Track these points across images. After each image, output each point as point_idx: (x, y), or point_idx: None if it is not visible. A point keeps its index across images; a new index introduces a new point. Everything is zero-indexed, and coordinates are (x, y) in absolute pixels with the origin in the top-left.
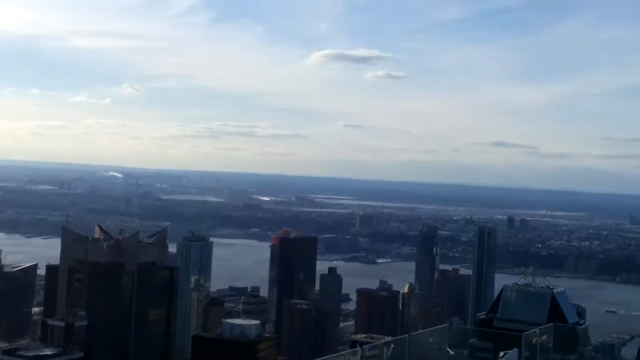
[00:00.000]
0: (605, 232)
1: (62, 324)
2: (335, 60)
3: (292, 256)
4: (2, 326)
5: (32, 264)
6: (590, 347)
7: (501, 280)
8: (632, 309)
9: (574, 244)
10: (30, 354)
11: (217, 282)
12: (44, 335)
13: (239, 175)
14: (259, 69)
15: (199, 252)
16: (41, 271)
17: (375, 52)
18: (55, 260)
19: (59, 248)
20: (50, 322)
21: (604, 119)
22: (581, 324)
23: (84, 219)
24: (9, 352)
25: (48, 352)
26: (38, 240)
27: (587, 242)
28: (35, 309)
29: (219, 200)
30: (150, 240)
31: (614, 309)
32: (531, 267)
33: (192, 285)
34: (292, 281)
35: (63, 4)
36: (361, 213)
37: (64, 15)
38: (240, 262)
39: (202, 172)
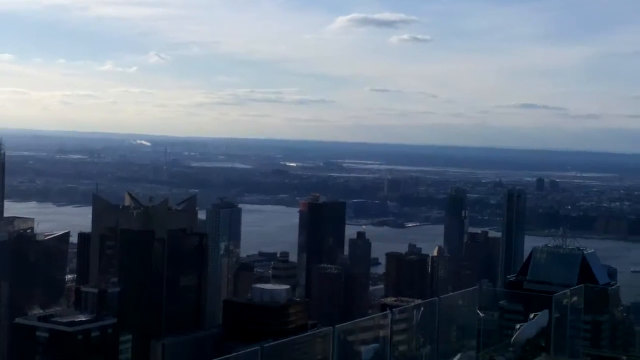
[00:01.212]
0: (637, 192)
1: (95, 290)
2: (361, 24)
3: (321, 221)
4: (37, 293)
5: (64, 232)
6: (621, 308)
7: (531, 243)
8: None
9: (605, 204)
10: (65, 320)
11: (247, 247)
12: (77, 302)
13: (266, 142)
14: (284, 34)
15: (228, 219)
16: (73, 239)
17: (400, 16)
18: (87, 229)
19: (90, 216)
20: (83, 288)
21: (634, 78)
22: (612, 285)
23: (113, 188)
24: (44, 318)
25: (82, 318)
26: (69, 209)
27: (617, 203)
28: (69, 276)
29: (247, 167)
30: (180, 208)
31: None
32: (561, 228)
33: (221, 251)
34: (321, 246)
35: None
36: (389, 177)
37: None
38: (269, 228)
39: (229, 139)
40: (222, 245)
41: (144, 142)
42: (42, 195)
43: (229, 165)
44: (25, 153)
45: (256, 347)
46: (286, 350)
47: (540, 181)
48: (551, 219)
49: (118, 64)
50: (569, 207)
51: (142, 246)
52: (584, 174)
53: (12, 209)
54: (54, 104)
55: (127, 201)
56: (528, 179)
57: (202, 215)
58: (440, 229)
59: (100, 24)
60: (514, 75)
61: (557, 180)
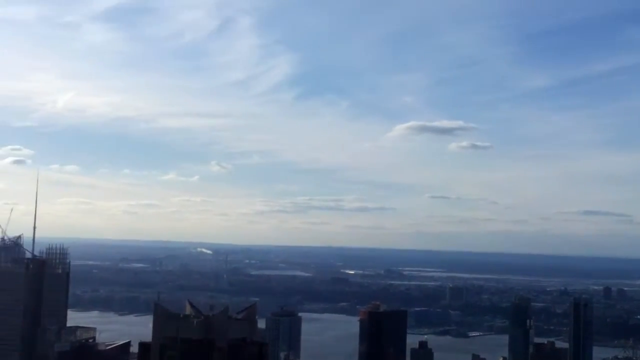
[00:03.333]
0: None
1: None
2: (419, 132)
3: (382, 330)
4: None
5: (125, 341)
6: None
7: (600, 354)
8: None
9: None
10: None
11: (307, 357)
12: None
13: (326, 249)
14: (344, 143)
15: (288, 327)
16: (134, 349)
17: (459, 123)
18: (148, 338)
19: (151, 325)
20: None
21: None
22: None
23: (175, 296)
24: None
25: None
26: (131, 318)
27: None
28: None
29: (307, 274)
30: (240, 316)
31: None
32: (631, 339)
33: None
34: (382, 356)
35: (154, 87)
36: (451, 285)
37: (155, 98)
38: (329, 337)
39: (289, 246)
40: (282, 354)
41: (205, 250)
42: (105, 305)
43: (289, 273)
44: (90, 262)
45: None
46: None
47: (607, 290)
48: (620, 329)
49: (181, 174)
50: (639, 317)
51: (202, 355)
52: None
53: (75, 318)
54: (118, 214)
55: (188, 310)
56: (594, 287)
57: (262, 324)
58: (504, 338)
59: (164, 136)
60: (575, 182)
61: (624, 288)
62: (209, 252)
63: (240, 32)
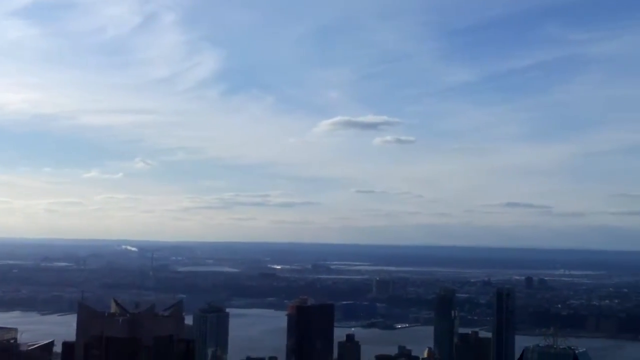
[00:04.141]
0: (625, 289)
1: None
2: (345, 127)
3: (309, 324)
4: None
5: (48, 341)
6: None
7: (522, 342)
8: None
9: (594, 302)
10: None
11: (234, 353)
12: None
13: (253, 245)
14: (270, 138)
15: (215, 324)
16: (57, 348)
17: (384, 118)
18: (72, 337)
19: (75, 325)
20: None
21: (617, 176)
22: None
23: (99, 295)
24: None
25: None
26: (54, 318)
27: (607, 301)
28: None
29: (234, 270)
30: (167, 313)
31: None
32: (552, 327)
33: (209, 357)
34: (309, 349)
35: (76, 83)
36: (377, 278)
37: (77, 94)
38: (257, 332)
39: (216, 243)
40: (210, 351)
41: (130, 247)
42: (27, 304)
43: (216, 269)
44: (10, 262)
45: None
46: None
47: (529, 280)
48: (541, 318)
49: (104, 171)
50: (559, 305)
51: (127, 354)
52: (572, 272)
53: None
54: (39, 213)
55: (113, 308)
56: (517, 277)
57: (189, 320)
58: (430, 330)
59: (86, 133)
60: (498, 175)
61: (545, 278)
62: (134, 249)
63: (164, 28)
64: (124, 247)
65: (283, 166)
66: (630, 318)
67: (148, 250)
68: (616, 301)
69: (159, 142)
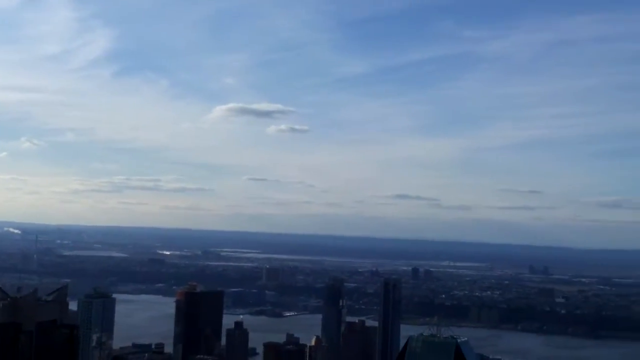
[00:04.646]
0: (507, 281)
1: None
2: (239, 114)
3: (198, 311)
4: None
5: None
6: None
7: (407, 331)
8: (529, 357)
9: (477, 293)
10: None
11: (120, 339)
12: None
13: (143, 230)
14: (163, 122)
15: (101, 309)
16: None
17: (278, 106)
18: None
19: None
20: None
21: (504, 171)
22: None
23: None
24: None
25: None
26: None
27: (489, 292)
28: None
29: (123, 255)
30: (50, 298)
31: (499, 357)
32: (436, 317)
33: (93, 344)
34: (198, 336)
35: None
36: (267, 266)
37: None
38: (144, 319)
39: (105, 227)
40: (94, 337)
41: (13, 230)
42: None
43: (104, 253)
44: None
45: None
46: None
47: (415, 270)
48: (426, 308)
49: None
50: (443, 295)
51: (7, 340)
52: (456, 263)
53: None
54: None
55: None
56: (404, 268)
57: (74, 306)
58: (318, 318)
59: None
60: (389, 166)
61: (431, 269)
62: (17, 231)
63: (54, 4)
64: (6, 229)
65: (176, 151)
66: (510, 309)
67: (32, 233)
68: (497, 292)
69: (47, 122)
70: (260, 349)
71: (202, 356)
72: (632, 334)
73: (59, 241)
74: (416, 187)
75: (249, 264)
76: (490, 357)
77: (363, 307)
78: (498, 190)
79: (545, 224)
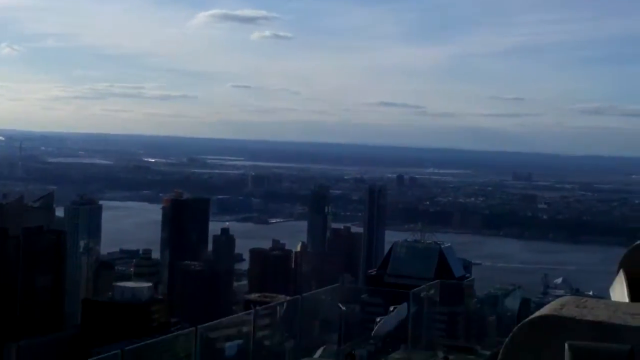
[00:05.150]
0: (490, 188)
1: None
2: (222, 20)
3: (184, 218)
4: None
5: None
6: (475, 300)
7: (392, 237)
8: (510, 261)
9: (460, 200)
10: None
11: (108, 245)
12: None
13: (127, 137)
14: (146, 29)
15: (87, 216)
16: None
17: (262, 12)
18: None
19: None
20: None
21: (490, 78)
22: (467, 277)
23: None
24: None
25: None
26: None
27: (472, 199)
28: None
29: (107, 162)
30: (36, 204)
31: (479, 262)
32: (419, 223)
33: (81, 249)
34: (184, 243)
35: None
36: (253, 173)
37: None
38: (131, 225)
39: (88, 134)
40: (82, 243)
41: None
42: None
43: (89, 161)
44: None
45: (116, 351)
46: (148, 352)
47: (400, 177)
48: (410, 214)
49: None
50: (427, 202)
51: None
52: (441, 170)
53: None
54: None
55: None
56: (389, 175)
57: (60, 212)
58: (303, 225)
59: None
60: (376, 74)
61: (416, 176)
62: (1, 138)
63: None
64: None
65: (160, 58)
66: (493, 215)
67: (16, 140)
68: (481, 199)
69: (27, 27)
70: (246, 255)
71: (189, 262)
72: (612, 238)
73: (43, 148)
74: (402, 94)
75: (235, 172)
76: (473, 261)
77: (348, 213)
78: (484, 97)
79: (529, 131)
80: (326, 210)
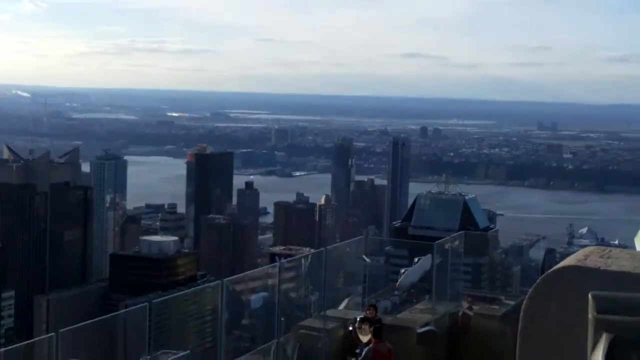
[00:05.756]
0: (514, 138)
1: None
2: None
3: (209, 172)
4: None
5: None
6: (500, 250)
7: (415, 189)
8: (535, 212)
9: (485, 151)
10: None
11: (133, 200)
12: None
13: (150, 92)
14: None
15: (113, 171)
16: None
17: None
18: None
19: None
20: None
21: (513, 27)
22: (492, 228)
23: None
24: None
25: None
26: None
27: (496, 149)
28: None
29: (131, 117)
30: (62, 160)
31: (503, 212)
32: (444, 175)
33: (107, 204)
34: (209, 197)
35: None
36: (276, 127)
37: None
38: (156, 179)
39: (112, 89)
40: (108, 198)
41: (22, 92)
42: None
43: (113, 116)
44: None
45: (144, 304)
46: (174, 305)
47: (423, 129)
48: (434, 166)
49: None
50: (451, 154)
51: (22, 201)
52: (464, 122)
53: None
54: None
55: (6, 154)
56: (412, 127)
57: (85, 167)
58: (327, 177)
59: None
60: (398, 25)
61: (439, 127)
62: (26, 94)
63: None
64: (14, 92)
65: (181, 11)
66: (517, 165)
67: (41, 96)
68: (505, 150)
69: None
70: (271, 208)
71: (213, 215)
72: (638, 188)
73: (67, 104)
74: (425, 45)
75: (258, 125)
76: (497, 212)
77: (372, 166)
78: (507, 46)
79: (554, 80)
80: (350, 163)
